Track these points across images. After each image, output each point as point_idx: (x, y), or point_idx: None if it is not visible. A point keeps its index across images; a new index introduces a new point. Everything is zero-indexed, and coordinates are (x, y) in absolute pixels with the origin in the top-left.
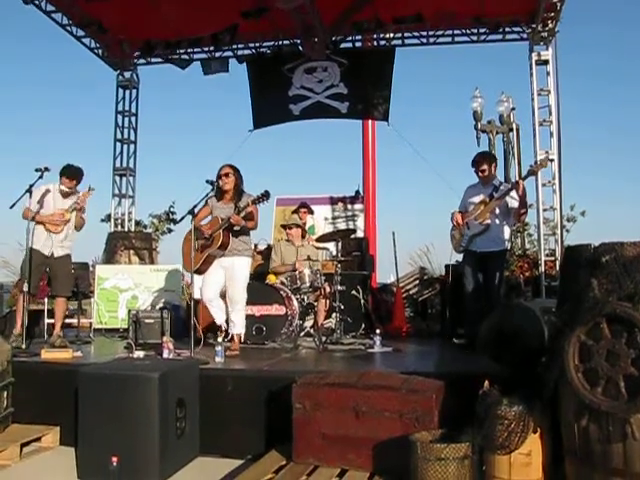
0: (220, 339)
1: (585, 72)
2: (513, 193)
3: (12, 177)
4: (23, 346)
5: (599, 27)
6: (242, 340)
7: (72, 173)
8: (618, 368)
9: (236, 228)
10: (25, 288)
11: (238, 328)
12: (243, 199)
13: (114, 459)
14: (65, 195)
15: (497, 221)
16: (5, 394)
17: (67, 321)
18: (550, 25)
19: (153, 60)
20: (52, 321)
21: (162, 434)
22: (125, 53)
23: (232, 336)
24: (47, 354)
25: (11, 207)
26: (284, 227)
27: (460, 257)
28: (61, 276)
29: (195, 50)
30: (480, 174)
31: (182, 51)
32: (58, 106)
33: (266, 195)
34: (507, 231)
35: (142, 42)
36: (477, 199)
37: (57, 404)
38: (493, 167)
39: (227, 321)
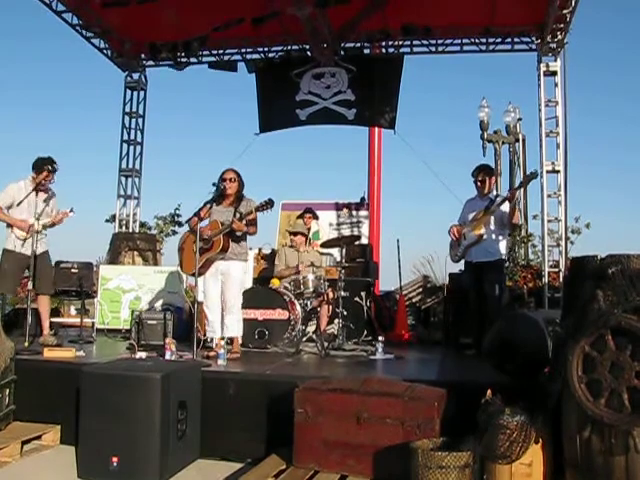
0: (223, 342)
1: (595, 87)
2: (506, 204)
3: (18, 175)
4: (26, 344)
5: (609, 42)
6: (243, 343)
7: (39, 166)
8: (622, 380)
9: (238, 234)
10: (30, 286)
11: (235, 331)
12: (243, 204)
13: (114, 459)
14: (40, 190)
15: (491, 232)
16: (7, 391)
17: (70, 321)
18: (559, 36)
19: (161, 63)
20: (57, 320)
21: (163, 435)
22: (131, 55)
23: (231, 339)
24: (49, 353)
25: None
26: (290, 233)
27: (462, 266)
28: (45, 274)
29: (204, 53)
30: (478, 184)
31: (190, 53)
32: (66, 106)
33: (270, 203)
34: (502, 242)
35: (148, 45)
36: (474, 211)
37: (58, 403)
38: (491, 180)
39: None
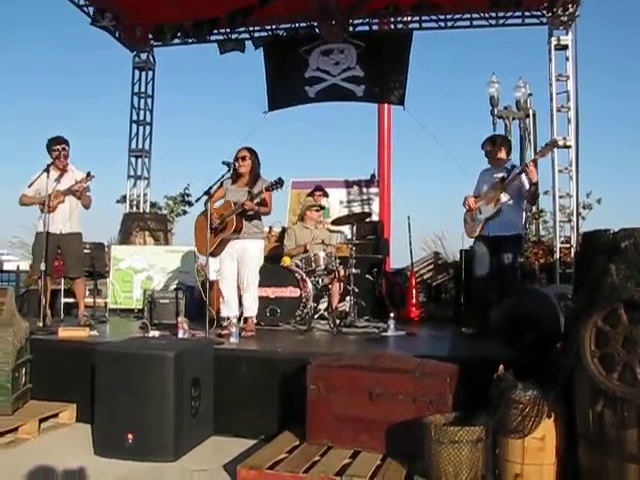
0: (234, 320)
1: (605, 64)
2: (524, 176)
3: (29, 160)
4: (41, 324)
5: (622, 20)
6: (255, 321)
7: (55, 141)
8: (635, 354)
9: (250, 213)
10: (42, 267)
11: (251, 310)
12: (257, 184)
13: (130, 436)
14: (59, 169)
15: (509, 204)
16: (24, 370)
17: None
18: (570, 9)
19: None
20: (69, 300)
21: (177, 413)
22: (139, 36)
23: (246, 318)
24: (64, 332)
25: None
26: (310, 207)
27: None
28: (71, 256)
29: (212, 32)
30: (489, 155)
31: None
32: (75, 89)
33: (280, 182)
34: (520, 215)
35: (155, 26)
36: (490, 183)
37: (74, 381)
38: (503, 150)
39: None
